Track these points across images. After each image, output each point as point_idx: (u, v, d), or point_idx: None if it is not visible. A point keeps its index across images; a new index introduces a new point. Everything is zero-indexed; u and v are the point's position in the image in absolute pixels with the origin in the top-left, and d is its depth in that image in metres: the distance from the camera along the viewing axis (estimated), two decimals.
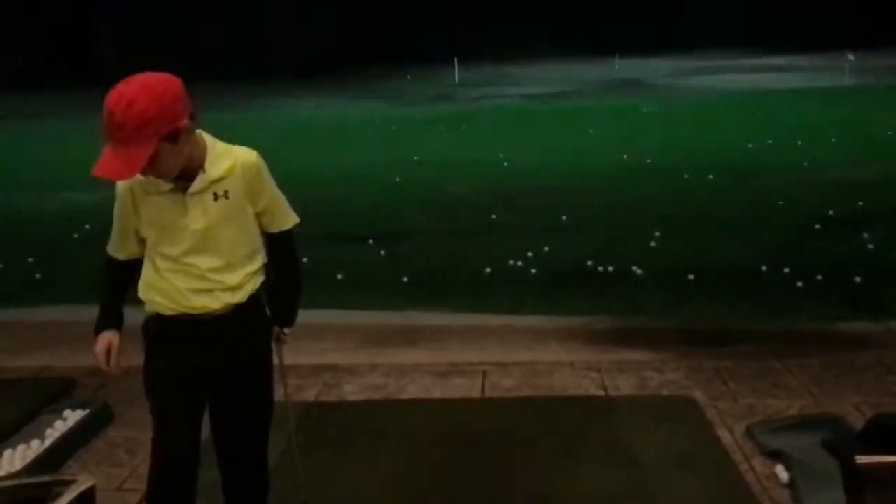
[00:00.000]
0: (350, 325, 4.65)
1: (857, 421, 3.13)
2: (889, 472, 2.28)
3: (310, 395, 3.71)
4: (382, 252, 6.20)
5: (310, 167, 10.60)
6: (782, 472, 2.82)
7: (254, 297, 2.18)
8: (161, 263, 2.12)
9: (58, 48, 30.94)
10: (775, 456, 2.93)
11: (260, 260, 2.21)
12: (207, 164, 2.08)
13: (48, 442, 3.15)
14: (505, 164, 10.20)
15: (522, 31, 33.95)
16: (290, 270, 2.31)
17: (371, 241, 6.47)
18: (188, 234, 2.08)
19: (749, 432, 3.13)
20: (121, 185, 2.10)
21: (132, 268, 2.21)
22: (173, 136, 1.96)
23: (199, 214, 2.07)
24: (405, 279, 5.47)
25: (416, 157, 11.07)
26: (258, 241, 2.21)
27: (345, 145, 12.79)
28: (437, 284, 5.38)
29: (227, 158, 2.11)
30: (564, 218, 6.97)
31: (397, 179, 9.36)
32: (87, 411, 3.41)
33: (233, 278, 2.13)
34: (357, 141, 13.24)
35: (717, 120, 13.81)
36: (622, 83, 21.91)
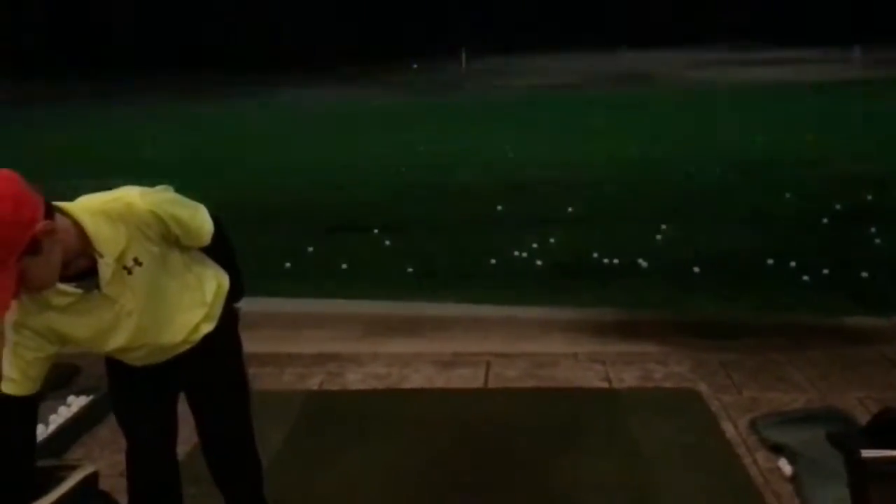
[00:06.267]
0: (354, 315, 4.65)
1: (862, 415, 3.12)
2: (894, 467, 2.27)
3: (313, 383, 3.71)
4: (387, 242, 6.20)
5: (314, 157, 10.59)
6: (785, 466, 2.81)
7: (225, 309, 2.08)
8: (114, 355, 1.95)
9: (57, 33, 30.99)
10: (778, 450, 2.91)
11: (211, 271, 2.06)
12: (98, 246, 1.75)
13: (52, 428, 3.15)
14: (511, 155, 10.18)
15: (530, 22, 33.81)
16: (225, 264, 2.13)
17: (376, 231, 6.46)
18: (126, 320, 1.86)
19: (753, 425, 3.12)
20: (18, 312, 1.77)
21: (35, 408, 1.87)
22: (34, 248, 1.62)
23: (128, 298, 1.84)
24: (410, 269, 5.46)
25: (421, 148, 11.05)
26: (201, 262, 2.03)
27: (350, 135, 12.78)
28: (442, 274, 5.38)
29: (113, 226, 1.77)
30: (570, 209, 6.95)
31: (403, 169, 9.34)
32: (90, 397, 3.41)
33: (198, 314, 1.99)
34: (361, 131, 13.22)
35: (725, 113, 13.75)
36: (631, 75, 21.82)
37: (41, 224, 1.62)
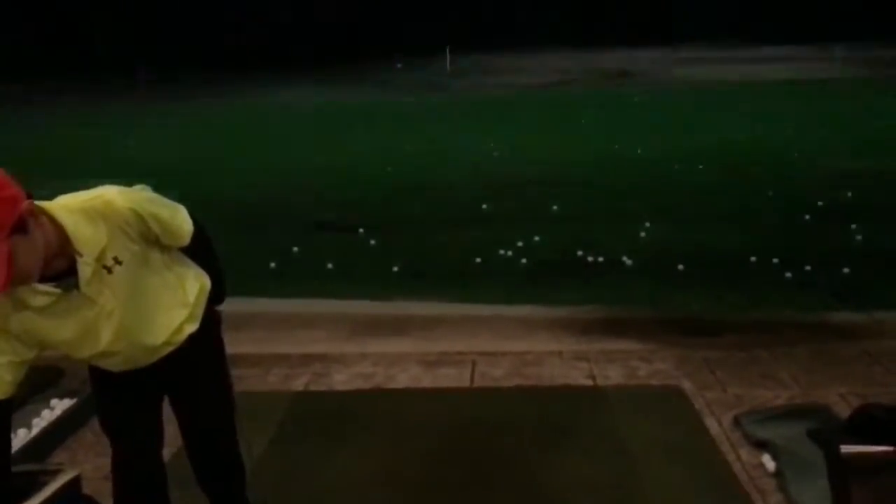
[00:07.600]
0: (340, 315, 4.64)
1: (843, 411, 3.15)
2: (873, 462, 2.29)
3: (299, 384, 3.70)
4: (373, 241, 6.19)
5: (299, 157, 10.56)
6: (769, 462, 2.84)
7: (207, 310, 2.07)
8: (93, 361, 1.93)
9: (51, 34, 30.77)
10: (762, 445, 2.94)
11: (193, 272, 2.04)
12: (76, 244, 1.73)
13: (35, 431, 3.13)
14: (495, 153, 10.19)
15: (513, 21, 33.87)
16: (207, 267, 2.12)
17: (361, 231, 6.45)
18: (106, 321, 1.83)
19: (736, 422, 3.14)
20: None
21: (8, 412, 1.84)
22: (21, 226, 1.61)
23: (107, 298, 1.81)
24: (395, 268, 5.46)
25: (406, 147, 11.04)
26: (182, 263, 2.01)
27: (335, 135, 12.74)
28: (428, 274, 5.38)
29: (93, 224, 1.75)
30: (555, 208, 6.97)
31: (388, 169, 9.33)
32: (74, 400, 3.39)
33: (180, 314, 1.97)
34: (347, 130, 13.19)
35: (707, 111, 13.84)
36: (614, 73, 21.91)
37: (26, 202, 1.63)
